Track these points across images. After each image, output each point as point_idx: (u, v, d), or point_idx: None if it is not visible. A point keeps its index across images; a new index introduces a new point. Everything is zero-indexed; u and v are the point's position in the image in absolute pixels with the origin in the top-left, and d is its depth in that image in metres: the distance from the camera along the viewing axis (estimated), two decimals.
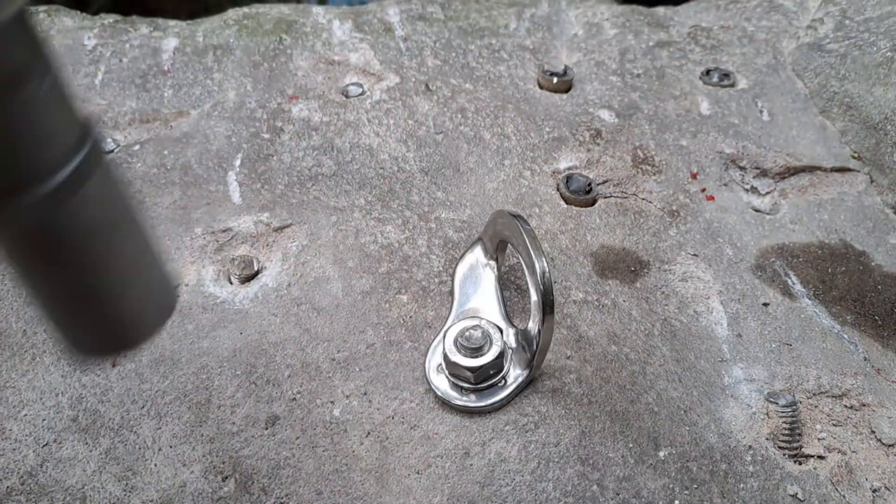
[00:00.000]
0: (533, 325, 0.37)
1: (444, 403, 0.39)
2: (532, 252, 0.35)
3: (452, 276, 0.44)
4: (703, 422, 0.39)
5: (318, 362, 0.41)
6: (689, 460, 0.37)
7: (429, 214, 0.48)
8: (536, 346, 0.37)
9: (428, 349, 0.40)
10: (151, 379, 0.40)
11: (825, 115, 0.59)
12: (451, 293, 0.43)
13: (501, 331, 0.39)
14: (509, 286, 0.44)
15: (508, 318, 0.42)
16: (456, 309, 0.42)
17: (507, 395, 0.38)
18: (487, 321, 0.39)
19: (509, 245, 0.41)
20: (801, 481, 0.37)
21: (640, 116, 0.58)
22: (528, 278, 0.37)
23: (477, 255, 0.44)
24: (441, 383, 0.39)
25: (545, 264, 0.35)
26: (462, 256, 0.44)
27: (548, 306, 0.34)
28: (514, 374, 0.39)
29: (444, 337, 0.39)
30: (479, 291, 0.42)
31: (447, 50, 0.63)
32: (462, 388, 0.38)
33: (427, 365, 0.39)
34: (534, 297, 0.36)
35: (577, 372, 0.40)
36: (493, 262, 0.43)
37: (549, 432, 0.38)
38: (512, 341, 0.40)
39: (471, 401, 0.38)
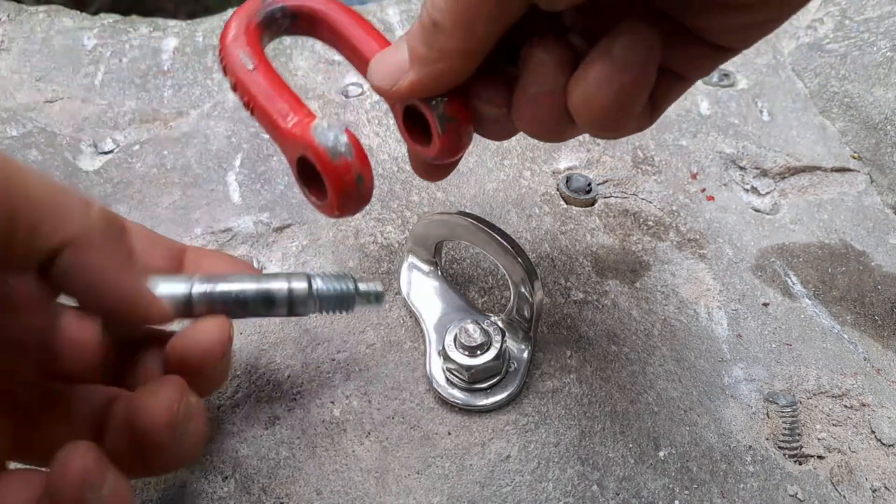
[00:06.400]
0: (521, 299, 0.38)
1: (445, 403, 0.39)
2: (494, 234, 0.37)
3: (406, 298, 0.43)
4: (703, 422, 0.39)
5: (319, 362, 0.41)
6: (689, 460, 0.37)
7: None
8: (533, 314, 0.38)
9: (428, 349, 0.40)
10: None
11: (825, 115, 0.59)
12: (414, 316, 0.42)
13: (497, 326, 0.39)
14: (452, 280, 0.44)
15: (482, 311, 0.42)
16: (431, 327, 0.41)
17: (509, 395, 0.38)
18: (480, 319, 0.39)
19: (445, 244, 0.43)
20: (801, 481, 0.37)
21: None
22: (502, 261, 0.38)
23: (413, 268, 0.44)
24: (441, 383, 0.39)
25: (514, 242, 0.37)
26: (401, 277, 0.44)
27: (531, 273, 0.36)
28: (514, 369, 0.39)
29: (444, 336, 0.39)
30: (439, 299, 0.42)
31: None
32: (462, 387, 0.38)
33: (427, 364, 0.39)
34: (515, 274, 0.37)
35: (577, 372, 0.40)
36: (433, 267, 0.43)
37: (549, 432, 0.38)
38: (502, 334, 0.39)
39: (471, 400, 0.38)
